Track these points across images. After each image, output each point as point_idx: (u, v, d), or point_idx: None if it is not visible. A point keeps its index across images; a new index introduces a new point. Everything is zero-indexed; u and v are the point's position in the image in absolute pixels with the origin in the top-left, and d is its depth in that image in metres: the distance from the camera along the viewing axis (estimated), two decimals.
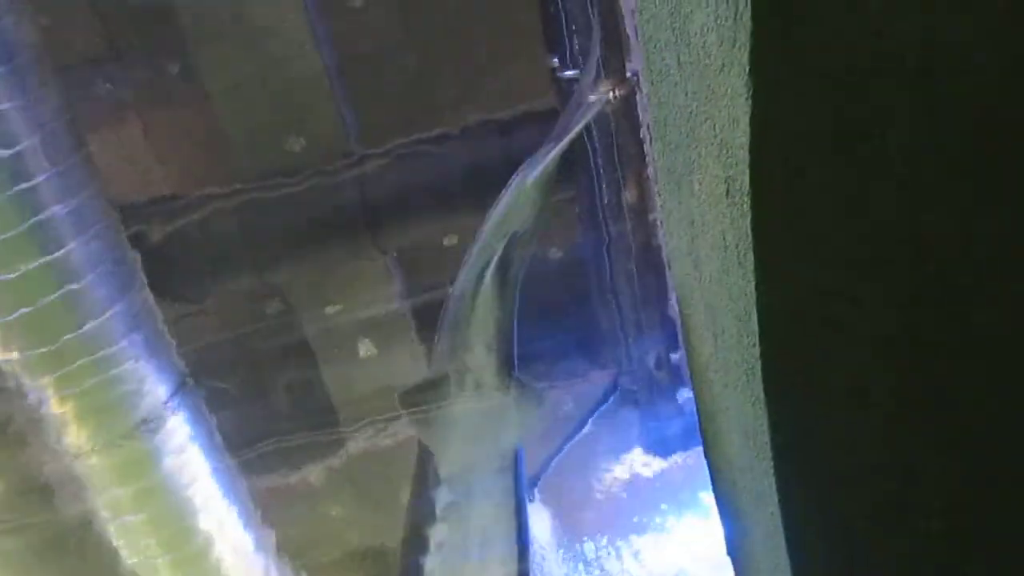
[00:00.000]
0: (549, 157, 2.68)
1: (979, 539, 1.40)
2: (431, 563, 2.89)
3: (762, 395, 1.33)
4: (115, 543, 4.56)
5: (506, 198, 2.69)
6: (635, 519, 5.28)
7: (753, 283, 1.24)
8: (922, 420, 1.32)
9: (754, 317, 1.28)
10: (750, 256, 1.22)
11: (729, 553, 2.08)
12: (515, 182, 2.70)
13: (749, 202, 1.15)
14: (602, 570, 5.33)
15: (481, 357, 2.57)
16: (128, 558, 4.61)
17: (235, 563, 4.79)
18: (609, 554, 5.32)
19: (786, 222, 1.16)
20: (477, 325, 2.55)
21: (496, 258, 2.56)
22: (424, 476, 2.89)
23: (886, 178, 1.08)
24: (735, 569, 2.08)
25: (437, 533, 2.84)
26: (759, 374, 1.33)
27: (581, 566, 5.29)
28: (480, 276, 2.57)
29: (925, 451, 1.35)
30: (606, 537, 5.28)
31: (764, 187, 1.13)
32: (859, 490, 1.42)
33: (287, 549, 4.96)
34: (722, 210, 1.26)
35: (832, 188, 1.11)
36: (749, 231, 1.18)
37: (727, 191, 1.20)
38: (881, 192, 1.10)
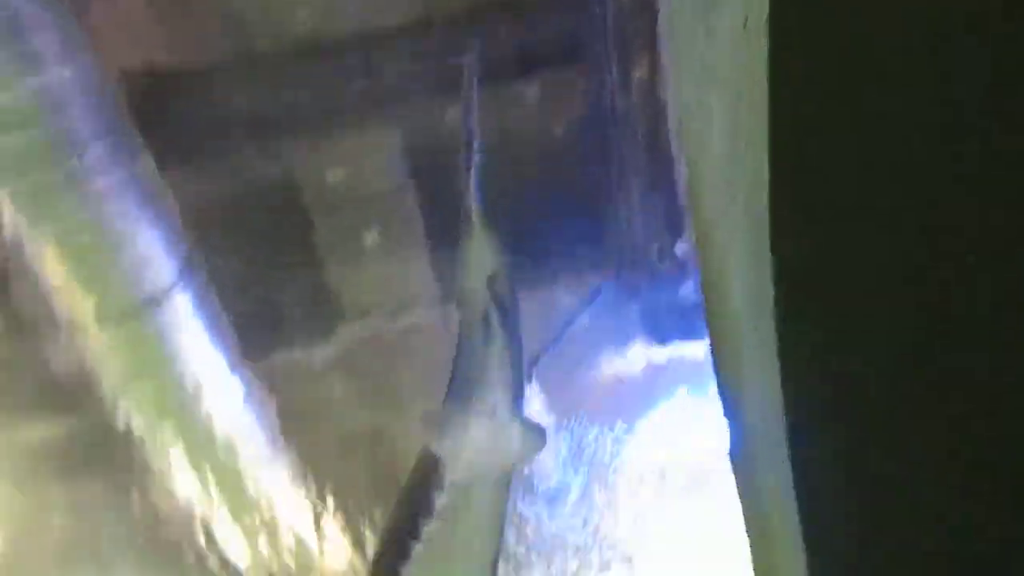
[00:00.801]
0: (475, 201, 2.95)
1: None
2: (417, 550, 3.08)
3: (769, 246, 1.31)
4: (120, 413, 4.62)
5: (466, 253, 2.97)
6: (632, 410, 5.33)
7: (767, 128, 1.20)
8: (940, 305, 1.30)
9: (766, 165, 1.24)
10: (765, 99, 1.18)
11: (730, 451, 2.07)
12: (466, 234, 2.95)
13: (767, 38, 1.11)
14: (597, 460, 5.41)
15: (498, 392, 2.89)
16: (133, 428, 4.68)
17: (236, 439, 4.87)
18: (604, 445, 5.39)
19: (806, 60, 1.12)
20: (491, 367, 2.86)
21: (488, 307, 2.83)
22: (427, 477, 3.10)
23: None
24: (733, 467, 2.06)
25: (431, 527, 3.05)
26: (767, 227, 1.30)
27: (575, 456, 5.36)
28: (482, 325, 2.83)
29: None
30: (602, 428, 5.34)
31: (785, 20, 1.08)
32: (870, 359, 1.40)
33: (287, 429, 5.05)
34: (739, 49, 1.22)
35: None
36: (767, 68, 1.13)
37: (745, 23, 1.16)
38: None
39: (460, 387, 2.99)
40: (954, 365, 1.40)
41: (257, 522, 5.23)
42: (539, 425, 3.10)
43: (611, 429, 5.31)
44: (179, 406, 4.80)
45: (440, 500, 3.02)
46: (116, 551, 5.32)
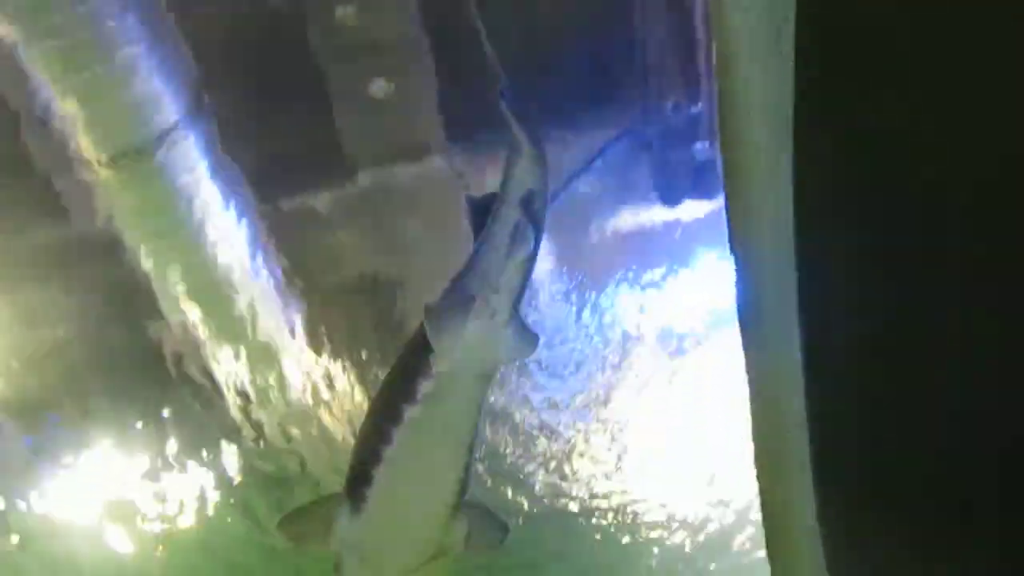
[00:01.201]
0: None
1: None
2: (401, 434, 3.15)
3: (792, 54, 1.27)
4: (129, 249, 4.65)
5: (515, 165, 3.05)
6: (638, 268, 5.32)
7: None
8: None
9: None
10: None
11: (738, 308, 2.04)
12: (519, 151, 3.04)
13: None
14: (601, 318, 5.45)
15: (504, 297, 2.99)
16: (143, 263, 4.72)
17: (241, 277, 4.91)
18: (610, 302, 5.41)
19: None
20: (507, 276, 2.97)
21: (524, 217, 2.97)
22: (415, 364, 3.14)
23: None
24: (741, 325, 2.04)
25: (413, 411, 3.11)
26: (791, 38, 1.26)
27: (579, 311, 5.39)
28: (511, 235, 2.96)
29: None
30: (608, 285, 5.35)
31: None
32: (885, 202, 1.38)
33: (293, 271, 5.07)
34: None
35: None
36: None
37: None
38: None
39: (468, 283, 3.08)
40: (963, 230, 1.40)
41: (258, 363, 5.33)
42: (532, 332, 3.15)
43: (618, 285, 5.32)
44: (185, 245, 4.82)
45: (425, 387, 3.08)
46: (121, 370, 5.41)
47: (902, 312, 1.48)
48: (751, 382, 1.97)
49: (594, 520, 6.64)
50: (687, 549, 7.05)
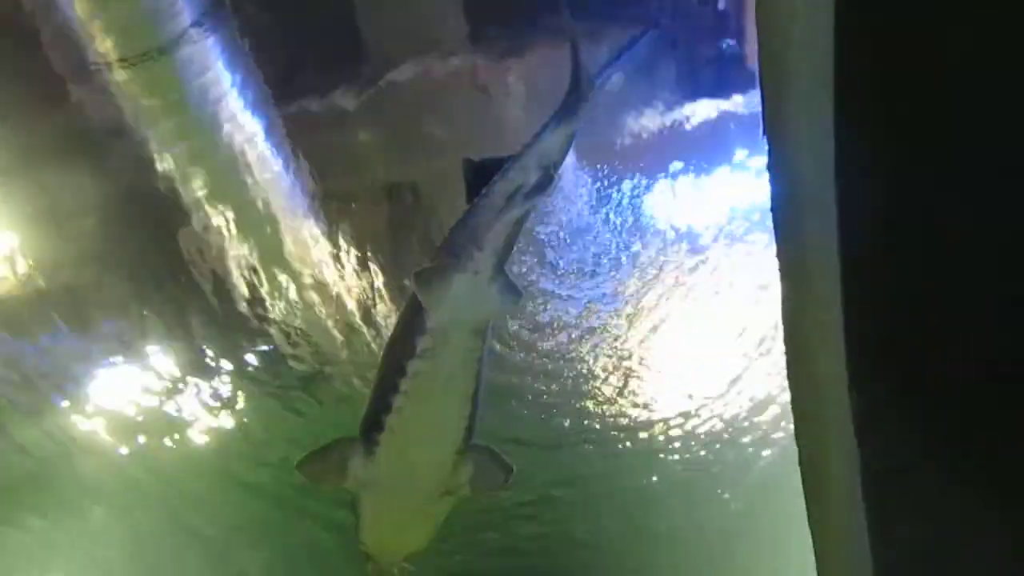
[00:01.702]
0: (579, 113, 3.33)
1: None
2: (406, 384, 3.43)
3: None
4: (149, 152, 4.64)
5: (547, 134, 3.30)
6: (665, 165, 5.25)
7: None
8: None
9: None
10: None
11: (772, 202, 2.00)
12: (554, 123, 3.30)
13: None
14: (627, 215, 5.40)
15: (488, 256, 3.20)
16: (160, 166, 4.70)
17: (261, 178, 4.89)
18: (637, 200, 5.35)
19: None
20: (493, 235, 3.18)
21: (528, 186, 3.18)
22: (413, 321, 3.39)
23: None
24: (775, 218, 1.98)
25: (415, 364, 3.39)
26: None
27: (605, 209, 5.35)
28: (510, 197, 3.17)
29: None
30: (635, 182, 5.29)
31: None
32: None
33: (314, 173, 5.05)
34: None
35: None
36: None
37: None
38: None
39: (457, 243, 3.30)
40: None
41: (278, 264, 5.35)
42: (516, 286, 3.37)
43: (645, 182, 5.26)
44: (205, 146, 4.80)
45: (422, 342, 3.32)
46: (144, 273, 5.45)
47: (943, 198, 1.46)
48: (784, 274, 1.95)
49: (618, 419, 6.73)
50: (708, 452, 7.15)
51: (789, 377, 1.92)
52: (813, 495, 1.93)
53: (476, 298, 3.27)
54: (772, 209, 1.94)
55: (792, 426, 1.97)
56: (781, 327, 1.99)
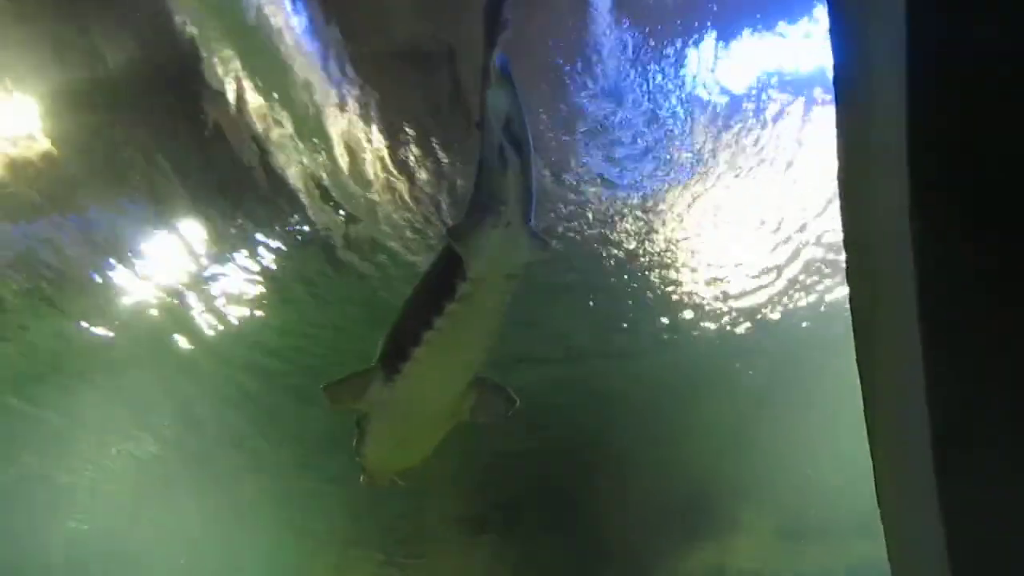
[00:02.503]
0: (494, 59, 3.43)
1: None
2: (440, 322, 3.66)
3: None
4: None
5: (486, 91, 3.46)
6: (712, 27, 4.94)
7: None
8: None
9: None
10: None
11: (835, 72, 1.80)
12: (485, 76, 3.46)
13: None
14: (671, 79, 5.16)
15: (513, 208, 3.43)
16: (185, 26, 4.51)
17: (291, 44, 4.72)
18: (682, 63, 5.10)
19: None
20: (507, 190, 3.42)
21: (504, 140, 3.37)
22: (453, 267, 3.59)
23: None
24: (837, 88, 1.82)
25: (452, 306, 3.61)
26: None
27: (650, 72, 5.10)
28: (499, 157, 3.38)
29: None
30: (680, 44, 5.00)
31: None
32: None
33: (344, 37, 4.84)
34: None
35: None
36: None
37: None
38: None
39: (482, 201, 3.52)
40: None
41: (310, 133, 5.23)
42: (542, 236, 3.63)
43: (691, 45, 4.97)
44: (234, 13, 4.61)
45: (463, 288, 3.55)
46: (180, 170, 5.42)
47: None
48: (842, 139, 1.77)
49: (657, 289, 6.67)
50: (749, 324, 7.09)
51: (844, 213, 1.78)
52: (864, 344, 1.83)
53: (510, 246, 3.50)
54: (835, 77, 1.76)
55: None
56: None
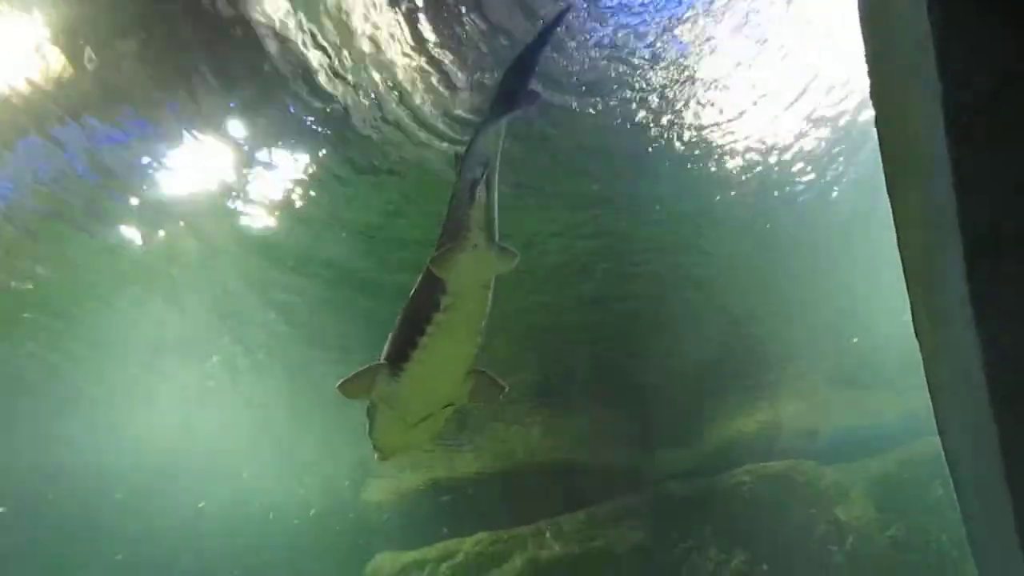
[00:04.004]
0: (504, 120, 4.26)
1: None
2: (431, 328, 4.26)
3: None
4: None
5: (481, 137, 4.20)
6: None
7: None
8: None
9: None
10: None
11: None
12: (487, 127, 4.24)
13: None
14: None
15: (478, 233, 4.02)
16: None
17: None
18: None
19: None
20: (474, 218, 4.02)
21: (480, 178, 4.01)
22: (437, 283, 4.18)
23: None
24: None
25: (439, 316, 4.21)
26: None
27: None
28: (470, 192, 4.02)
29: None
30: None
31: None
32: None
33: None
34: None
35: None
36: None
37: None
38: None
39: (452, 228, 4.10)
40: None
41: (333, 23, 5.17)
42: (510, 250, 4.10)
43: None
44: None
45: (445, 300, 4.13)
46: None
47: None
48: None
49: (689, 142, 6.59)
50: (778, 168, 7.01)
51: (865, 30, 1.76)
52: (890, 154, 1.82)
53: (480, 265, 4.08)
54: None
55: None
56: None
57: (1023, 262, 1.55)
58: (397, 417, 4.58)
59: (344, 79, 5.58)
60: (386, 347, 4.45)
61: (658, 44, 5.71)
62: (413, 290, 4.40)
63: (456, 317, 4.20)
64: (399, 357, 4.37)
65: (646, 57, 5.77)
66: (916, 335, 2.03)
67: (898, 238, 1.89)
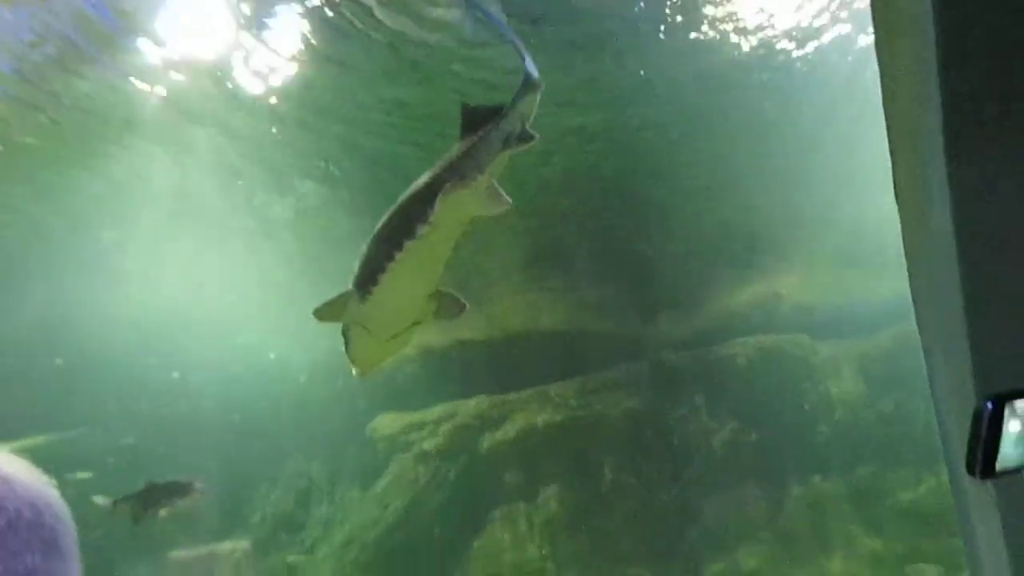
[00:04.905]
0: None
1: None
2: (401, 255, 4.38)
3: None
4: None
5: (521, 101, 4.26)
6: None
7: None
8: None
9: None
10: None
11: None
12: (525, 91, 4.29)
13: None
14: None
15: (485, 178, 4.17)
16: None
17: None
18: None
19: None
20: (489, 163, 4.16)
21: (514, 134, 4.18)
22: (418, 211, 4.25)
23: None
24: None
25: (411, 243, 4.32)
26: None
27: None
28: (504, 140, 4.17)
29: None
30: None
31: None
32: None
33: None
34: None
35: None
36: None
37: None
38: None
39: (469, 167, 4.15)
40: None
41: None
42: (505, 197, 4.27)
43: None
44: None
45: (422, 230, 4.21)
46: None
47: None
48: None
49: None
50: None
51: None
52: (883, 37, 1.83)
53: (477, 205, 4.24)
54: None
55: None
56: None
57: (1003, 118, 1.57)
58: (369, 335, 4.78)
59: None
60: (356, 272, 4.58)
61: None
62: (386, 217, 4.47)
63: (427, 246, 4.35)
64: (368, 281, 4.53)
65: None
66: (895, 193, 2.06)
67: (883, 92, 1.90)
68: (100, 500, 7.32)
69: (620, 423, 10.43)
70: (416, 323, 4.84)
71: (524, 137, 4.20)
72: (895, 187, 2.09)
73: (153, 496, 7.58)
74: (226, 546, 10.31)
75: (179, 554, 9.82)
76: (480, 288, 10.15)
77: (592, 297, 10.73)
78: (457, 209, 4.23)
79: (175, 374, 11.27)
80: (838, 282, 10.68)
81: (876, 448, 10.37)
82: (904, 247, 2.07)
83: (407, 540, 10.23)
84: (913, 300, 2.15)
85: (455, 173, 4.22)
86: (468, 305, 4.84)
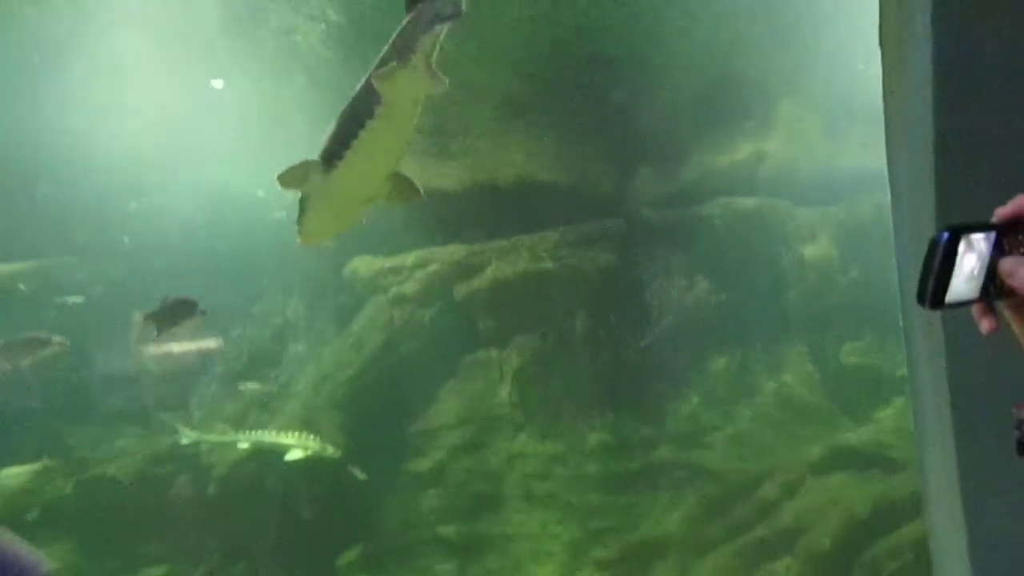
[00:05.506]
0: None
1: None
2: (363, 132, 4.64)
3: None
4: None
5: None
6: None
7: None
8: None
9: None
10: None
11: None
12: None
13: None
14: None
15: (419, 56, 4.30)
16: None
17: None
18: None
19: None
20: (423, 43, 4.29)
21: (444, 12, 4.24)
22: (373, 93, 4.50)
23: None
24: None
25: (372, 123, 4.60)
26: None
27: None
28: (436, 14, 4.26)
29: None
30: None
31: None
32: None
33: None
34: None
35: None
36: None
37: None
38: None
39: (403, 48, 4.36)
40: None
41: None
42: (442, 77, 4.38)
43: None
44: None
45: (378, 109, 4.52)
46: None
47: None
48: None
49: None
50: None
51: None
52: None
53: (416, 85, 4.43)
54: None
55: None
56: None
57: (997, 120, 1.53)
58: (324, 208, 5.06)
59: None
60: (323, 145, 4.80)
61: None
62: (352, 96, 4.68)
63: (386, 126, 4.65)
64: (333, 156, 4.79)
65: None
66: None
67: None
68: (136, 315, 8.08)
69: (594, 277, 10.51)
70: (370, 200, 5.08)
71: (453, 14, 4.29)
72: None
73: (174, 312, 8.07)
74: None
75: None
76: (459, 137, 9.97)
77: (574, 152, 10.56)
78: (397, 89, 4.48)
79: (161, 210, 11.20)
80: (825, 149, 10.59)
81: (843, 315, 10.57)
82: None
83: (379, 381, 10.45)
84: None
85: (395, 53, 4.44)
86: (423, 190, 5.06)
